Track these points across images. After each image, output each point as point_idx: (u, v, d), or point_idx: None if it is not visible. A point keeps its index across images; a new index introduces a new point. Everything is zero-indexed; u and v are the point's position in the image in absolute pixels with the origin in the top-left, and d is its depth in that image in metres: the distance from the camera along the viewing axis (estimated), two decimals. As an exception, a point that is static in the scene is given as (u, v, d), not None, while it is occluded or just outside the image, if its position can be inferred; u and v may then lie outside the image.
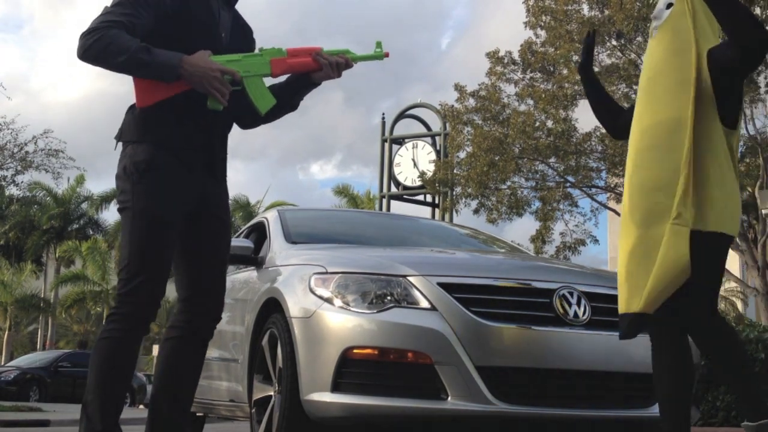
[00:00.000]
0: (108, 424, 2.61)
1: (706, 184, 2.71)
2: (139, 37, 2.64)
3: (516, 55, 18.42)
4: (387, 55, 2.92)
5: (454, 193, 19.57)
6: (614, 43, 17.83)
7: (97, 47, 2.59)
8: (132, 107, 2.80)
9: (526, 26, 18.06)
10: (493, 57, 18.44)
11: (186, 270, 2.87)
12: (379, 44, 2.91)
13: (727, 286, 31.60)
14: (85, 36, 2.61)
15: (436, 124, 22.53)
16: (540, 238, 18.21)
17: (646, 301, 2.68)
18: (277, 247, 4.33)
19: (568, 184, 18.52)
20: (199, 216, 2.84)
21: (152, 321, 2.75)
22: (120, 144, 2.82)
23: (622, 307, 2.77)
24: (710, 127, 2.75)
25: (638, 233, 2.74)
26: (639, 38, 17.57)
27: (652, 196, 2.74)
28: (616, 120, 3.23)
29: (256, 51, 2.87)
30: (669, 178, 2.71)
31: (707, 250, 2.68)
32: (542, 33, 18.15)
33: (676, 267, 2.64)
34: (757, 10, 13.60)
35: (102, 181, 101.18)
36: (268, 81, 2.88)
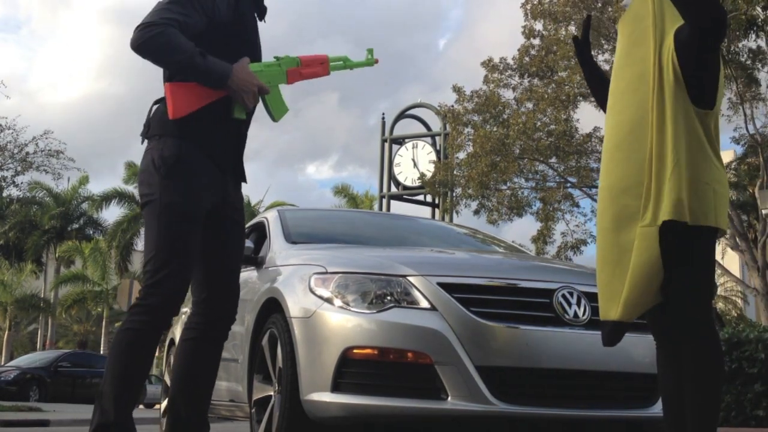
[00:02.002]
0: (121, 415, 2.61)
1: (683, 173, 2.51)
2: (187, 37, 2.69)
3: (511, 61, 18.32)
4: (377, 61, 3.13)
5: (454, 194, 19.56)
6: (614, 43, 17.79)
7: (155, 42, 2.63)
8: (160, 102, 2.83)
9: (524, 31, 18.03)
10: (488, 65, 18.38)
11: (204, 270, 2.88)
12: (370, 51, 3.11)
13: (727, 286, 31.63)
14: (143, 29, 2.64)
15: (436, 124, 22.53)
16: (541, 239, 18.21)
17: (623, 309, 2.56)
18: (277, 247, 4.33)
19: (568, 185, 18.52)
20: (218, 217, 2.86)
21: (175, 315, 2.76)
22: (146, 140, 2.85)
23: (601, 314, 2.66)
24: (679, 114, 2.55)
25: (609, 238, 2.62)
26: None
27: (619, 199, 2.61)
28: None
29: (273, 60, 2.96)
30: (635, 179, 2.57)
31: (693, 243, 2.53)
32: (538, 41, 18.10)
33: (648, 272, 2.50)
34: (758, 10, 13.58)
35: (100, 181, 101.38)
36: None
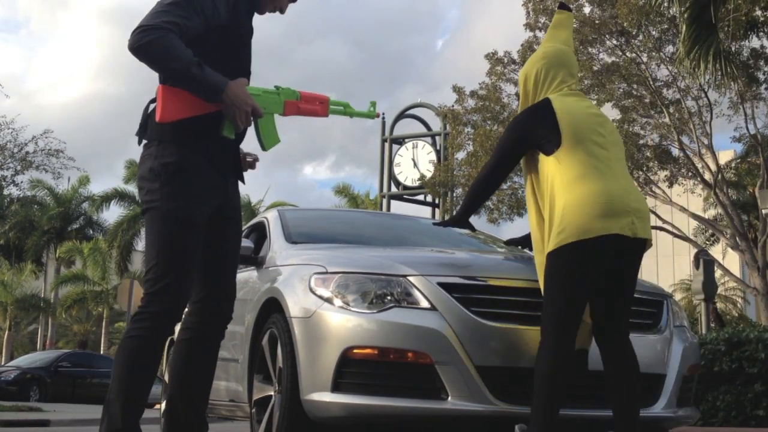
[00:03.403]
0: (129, 423, 2.61)
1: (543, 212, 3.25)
2: (185, 41, 2.64)
3: (515, 55, 18.42)
4: (378, 115, 3.18)
5: (454, 194, 19.56)
6: (615, 42, 17.81)
7: (153, 47, 2.58)
8: (153, 102, 2.80)
9: (526, 28, 18.05)
10: (492, 58, 18.45)
11: (203, 271, 2.87)
12: (373, 104, 3.14)
13: (728, 285, 31.62)
14: (142, 32, 2.59)
15: (436, 124, 22.52)
16: (542, 238, 18.20)
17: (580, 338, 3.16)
18: (277, 247, 4.33)
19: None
20: (218, 217, 2.85)
21: (178, 321, 2.75)
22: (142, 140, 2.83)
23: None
24: (536, 168, 3.29)
25: None
26: (640, 36, 17.56)
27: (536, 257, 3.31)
28: None
29: (273, 88, 2.93)
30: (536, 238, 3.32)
31: (548, 268, 3.10)
32: (541, 34, 18.13)
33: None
34: (758, 11, 13.58)
35: (98, 181, 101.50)
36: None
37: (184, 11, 2.66)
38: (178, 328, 3.00)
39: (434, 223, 3.90)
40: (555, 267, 3.10)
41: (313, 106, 2.96)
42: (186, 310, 2.92)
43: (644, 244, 3.21)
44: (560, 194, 3.13)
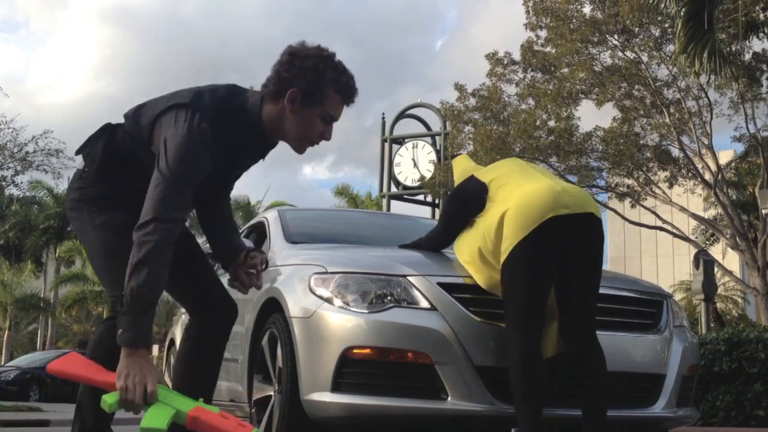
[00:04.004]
0: (101, 427, 2.61)
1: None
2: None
3: (516, 56, 18.41)
4: None
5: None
6: (616, 40, 17.81)
7: (152, 256, 2.39)
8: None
9: (526, 28, 18.05)
10: (493, 58, 18.44)
11: (193, 285, 2.89)
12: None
13: (728, 285, 31.61)
14: (159, 224, 2.42)
15: (436, 124, 22.52)
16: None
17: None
18: (277, 247, 4.33)
19: (568, 184, 18.49)
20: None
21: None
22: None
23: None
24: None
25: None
26: (641, 36, 17.54)
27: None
28: None
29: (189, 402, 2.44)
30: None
31: (505, 272, 3.18)
32: (542, 33, 18.14)
33: None
34: (758, 12, 13.58)
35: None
36: None
37: (186, 188, 2.50)
38: (179, 328, 2.99)
39: (400, 246, 3.95)
40: (511, 267, 3.14)
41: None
42: (189, 314, 2.92)
43: (592, 220, 3.24)
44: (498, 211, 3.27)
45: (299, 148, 2.69)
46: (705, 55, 10.58)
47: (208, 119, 2.52)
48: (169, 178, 2.45)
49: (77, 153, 2.78)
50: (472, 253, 3.32)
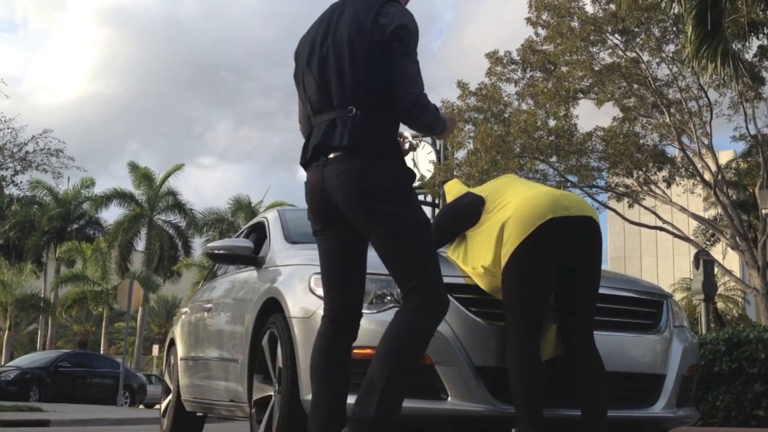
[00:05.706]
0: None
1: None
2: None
3: (515, 55, 18.41)
4: None
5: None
6: (617, 39, 17.80)
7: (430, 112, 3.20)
8: (370, 117, 3.13)
9: (527, 22, 18.06)
10: (492, 57, 18.45)
11: (343, 278, 3.05)
12: None
13: (728, 285, 31.63)
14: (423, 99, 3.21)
15: (436, 124, 22.44)
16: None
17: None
18: (277, 247, 4.33)
19: (568, 184, 18.51)
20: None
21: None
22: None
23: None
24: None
25: None
26: (642, 35, 17.54)
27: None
28: None
29: None
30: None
31: (506, 277, 3.21)
32: (542, 32, 18.14)
33: None
34: (758, 12, 13.58)
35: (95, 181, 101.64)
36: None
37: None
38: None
39: None
40: (511, 270, 3.19)
41: None
42: (324, 306, 3.02)
43: (591, 225, 3.28)
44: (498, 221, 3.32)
45: None
46: (718, 57, 10.58)
47: None
48: None
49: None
50: (474, 266, 3.37)
